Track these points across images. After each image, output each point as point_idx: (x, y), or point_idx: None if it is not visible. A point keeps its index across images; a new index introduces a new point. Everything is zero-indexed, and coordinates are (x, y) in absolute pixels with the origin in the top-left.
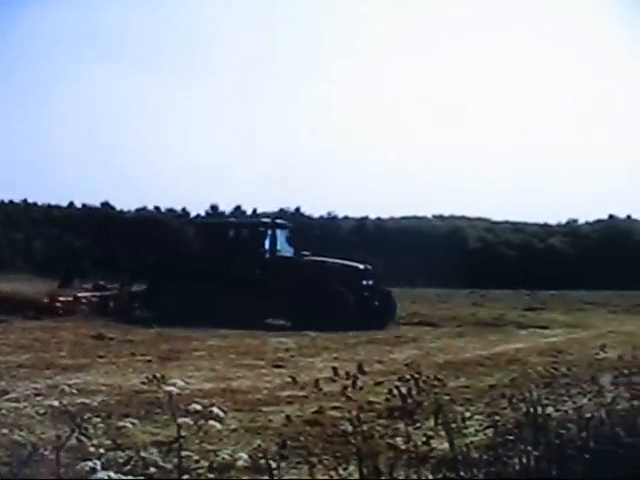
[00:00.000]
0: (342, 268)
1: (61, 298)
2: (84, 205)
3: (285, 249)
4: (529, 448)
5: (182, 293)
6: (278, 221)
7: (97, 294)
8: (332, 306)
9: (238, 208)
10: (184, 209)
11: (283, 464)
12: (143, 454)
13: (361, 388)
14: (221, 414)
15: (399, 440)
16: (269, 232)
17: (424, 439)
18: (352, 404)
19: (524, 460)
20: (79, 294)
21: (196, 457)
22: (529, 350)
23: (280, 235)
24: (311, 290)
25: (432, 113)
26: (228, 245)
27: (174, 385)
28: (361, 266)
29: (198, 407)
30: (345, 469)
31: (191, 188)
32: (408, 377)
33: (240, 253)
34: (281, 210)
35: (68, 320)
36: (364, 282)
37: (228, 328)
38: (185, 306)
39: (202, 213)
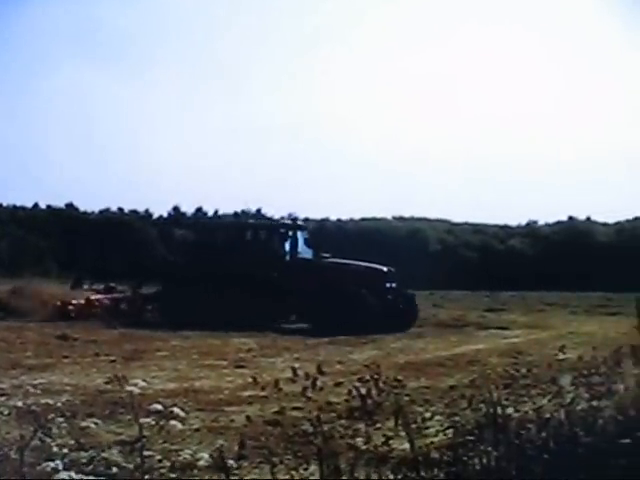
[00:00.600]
0: (366, 271)
1: (73, 301)
2: (49, 206)
3: (305, 251)
4: (489, 448)
5: (198, 296)
6: (298, 222)
7: (109, 296)
8: (353, 309)
9: (200, 209)
10: (147, 210)
11: (246, 464)
12: (105, 454)
13: (321, 389)
14: (182, 414)
15: (359, 440)
16: (289, 234)
17: (384, 439)
18: (312, 404)
19: (484, 460)
20: (92, 296)
21: (158, 457)
22: (489, 351)
23: (302, 237)
24: (331, 293)
25: (385, 113)
26: (247, 247)
27: (135, 385)
28: (385, 269)
29: (159, 407)
30: (306, 469)
31: (154, 189)
32: (368, 378)
33: (259, 255)
34: (242, 211)
35: (84, 324)
36: (388, 285)
37: (248, 331)
38: (201, 309)
39: (164, 214)
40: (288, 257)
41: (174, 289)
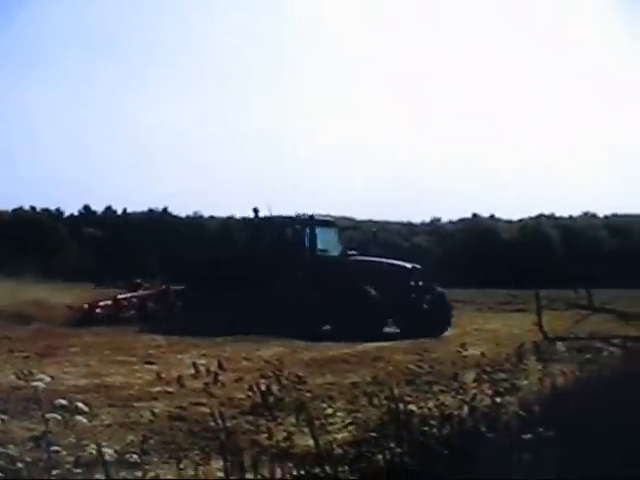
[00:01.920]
0: (386, 268)
1: (101, 303)
2: None
3: (333, 248)
4: (392, 445)
5: (222, 297)
6: (318, 218)
7: (136, 294)
8: (358, 308)
9: (109, 208)
10: (58, 209)
11: (155, 459)
12: (10, 450)
13: (223, 384)
14: (85, 409)
15: (262, 436)
16: (307, 230)
17: (286, 435)
18: (214, 400)
19: (388, 457)
20: (119, 296)
21: (64, 452)
22: (394, 348)
23: (325, 234)
24: (341, 292)
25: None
26: (266, 245)
27: (41, 380)
28: (409, 265)
29: (64, 402)
30: (208, 465)
31: (65, 188)
32: (270, 374)
33: (277, 253)
34: (150, 210)
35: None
36: (412, 283)
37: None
38: (225, 311)
39: (75, 213)
40: (308, 254)
41: (198, 289)
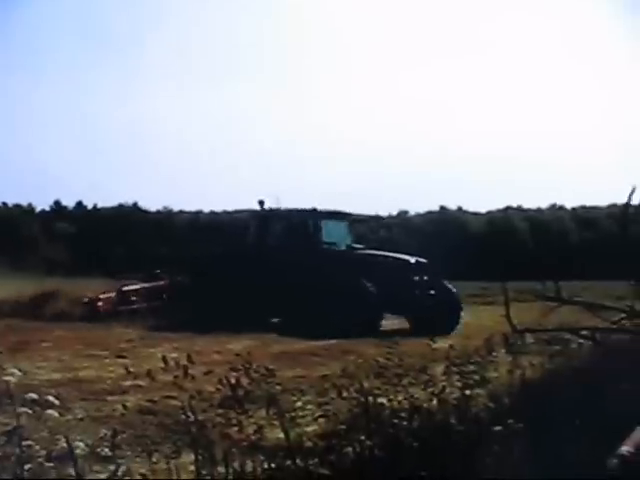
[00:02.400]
0: (387, 262)
1: (101, 295)
2: None
3: (342, 241)
4: (362, 437)
5: (228, 293)
6: (325, 210)
7: (147, 285)
8: (354, 304)
9: (80, 203)
10: (30, 205)
11: (129, 452)
12: None
13: (193, 378)
14: (57, 402)
15: (233, 429)
16: (310, 223)
17: (256, 428)
18: (185, 393)
19: (358, 449)
20: (124, 287)
21: (37, 447)
22: (365, 341)
23: (333, 226)
24: (336, 286)
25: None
26: (274, 238)
27: (12, 375)
28: (412, 260)
29: (35, 396)
30: (179, 458)
31: (36, 184)
32: (239, 367)
33: (279, 246)
34: (120, 205)
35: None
36: (415, 278)
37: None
38: (224, 305)
39: (47, 208)
40: (309, 247)
41: (205, 284)
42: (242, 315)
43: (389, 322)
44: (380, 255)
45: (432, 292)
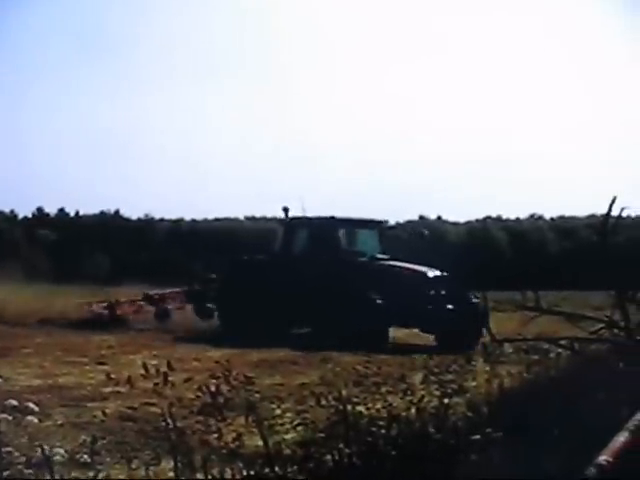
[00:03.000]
0: (400, 273)
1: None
2: None
3: (372, 250)
4: (341, 445)
5: (258, 301)
6: (342, 218)
7: (161, 293)
8: (360, 317)
9: (62, 210)
10: (12, 211)
11: (108, 459)
12: None
13: (173, 385)
14: (36, 409)
15: (212, 436)
16: (328, 230)
17: (235, 436)
18: (164, 400)
19: (337, 457)
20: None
21: (17, 453)
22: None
23: (361, 235)
24: (345, 298)
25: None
26: (300, 247)
27: None
28: (430, 273)
29: (14, 402)
30: (159, 465)
31: (18, 190)
32: (219, 375)
33: (309, 255)
34: (102, 212)
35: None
36: (432, 291)
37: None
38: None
39: (29, 215)
40: (326, 257)
41: (236, 292)
42: (264, 324)
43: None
44: (396, 267)
45: (450, 306)
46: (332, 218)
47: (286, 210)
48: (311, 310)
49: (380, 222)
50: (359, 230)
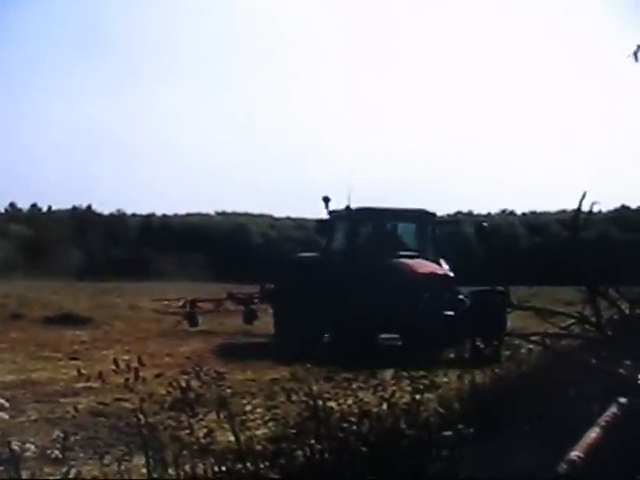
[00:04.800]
0: (386, 272)
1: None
2: None
3: (404, 246)
4: (312, 441)
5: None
6: (356, 209)
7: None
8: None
9: (34, 205)
10: None
11: (81, 455)
12: None
13: (144, 380)
14: (7, 405)
15: (183, 432)
16: (341, 224)
17: (206, 431)
18: (136, 396)
19: (308, 453)
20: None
21: None
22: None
23: (404, 230)
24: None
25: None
26: (346, 244)
27: None
28: (439, 271)
29: None
30: (129, 460)
31: None
32: (190, 370)
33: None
34: (74, 207)
35: None
36: (425, 294)
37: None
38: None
39: (2, 210)
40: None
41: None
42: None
43: None
44: (391, 265)
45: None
46: (347, 207)
47: (327, 200)
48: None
49: (429, 214)
50: (408, 224)
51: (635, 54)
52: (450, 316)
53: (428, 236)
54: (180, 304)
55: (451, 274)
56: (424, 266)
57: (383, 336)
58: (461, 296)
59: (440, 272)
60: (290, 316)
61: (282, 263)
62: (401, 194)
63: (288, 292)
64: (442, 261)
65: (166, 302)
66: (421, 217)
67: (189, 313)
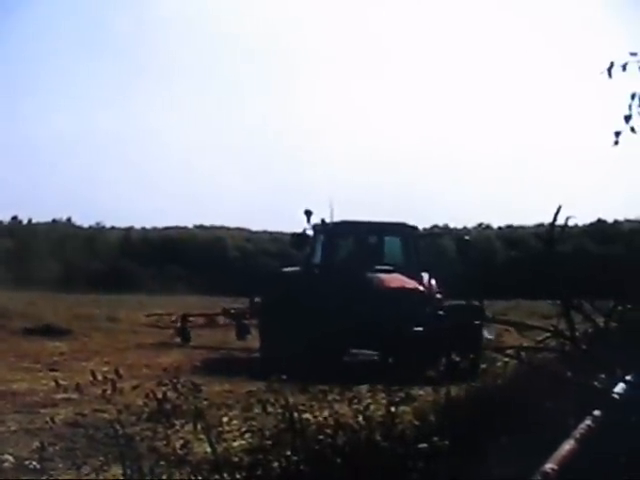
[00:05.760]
0: (359, 286)
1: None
2: None
3: (382, 260)
4: (288, 453)
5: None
6: (335, 223)
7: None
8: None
9: (15, 218)
10: None
11: (61, 465)
12: None
13: (122, 392)
14: None
15: (160, 443)
16: (320, 238)
17: (183, 442)
18: (112, 407)
19: (284, 464)
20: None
21: None
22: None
23: (373, 243)
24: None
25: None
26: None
27: None
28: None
29: None
30: (106, 471)
31: None
32: (166, 381)
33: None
34: (54, 220)
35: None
36: (394, 309)
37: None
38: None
39: None
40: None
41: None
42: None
43: None
44: (365, 279)
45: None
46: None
47: (308, 214)
48: None
49: (410, 227)
50: (391, 237)
51: (609, 70)
52: (419, 332)
53: (409, 250)
54: (173, 318)
55: (421, 288)
56: (396, 280)
57: (357, 351)
58: (441, 312)
59: (410, 286)
60: (274, 330)
61: (266, 277)
62: (377, 208)
63: (271, 306)
64: (425, 275)
65: (156, 316)
66: (402, 230)
67: (181, 328)
